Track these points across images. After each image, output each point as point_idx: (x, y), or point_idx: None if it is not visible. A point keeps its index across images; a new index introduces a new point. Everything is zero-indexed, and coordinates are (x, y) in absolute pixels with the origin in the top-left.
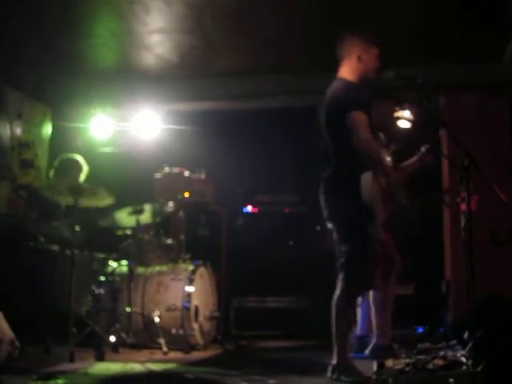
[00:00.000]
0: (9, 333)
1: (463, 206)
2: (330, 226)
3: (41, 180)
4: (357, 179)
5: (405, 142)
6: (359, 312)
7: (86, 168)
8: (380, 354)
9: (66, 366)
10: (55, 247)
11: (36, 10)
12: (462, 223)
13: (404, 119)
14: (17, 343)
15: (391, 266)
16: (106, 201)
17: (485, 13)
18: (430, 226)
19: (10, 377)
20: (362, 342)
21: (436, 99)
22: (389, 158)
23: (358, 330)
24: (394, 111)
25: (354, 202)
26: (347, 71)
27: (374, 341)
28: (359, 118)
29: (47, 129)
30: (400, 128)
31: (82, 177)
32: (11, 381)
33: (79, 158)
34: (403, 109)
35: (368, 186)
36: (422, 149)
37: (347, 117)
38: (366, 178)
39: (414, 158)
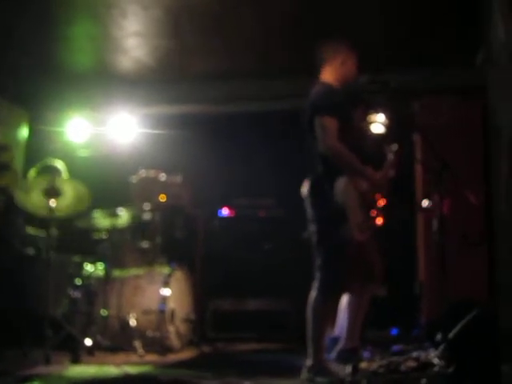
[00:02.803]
0: None
1: (436, 210)
2: (311, 227)
3: (16, 182)
4: (334, 182)
5: (377, 147)
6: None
7: (65, 174)
8: (345, 356)
9: (42, 369)
10: (30, 250)
11: (12, 13)
12: (435, 226)
13: (377, 123)
14: None
15: (369, 269)
16: (82, 203)
17: (457, 19)
18: (403, 228)
19: None
20: (336, 343)
21: (410, 104)
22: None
23: (336, 331)
24: (367, 115)
25: (329, 204)
26: (329, 74)
27: (340, 344)
28: (327, 123)
29: (24, 132)
30: (373, 132)
31: (61, 183)
32: None
33: (59, 164)
34: (377, 113)
35: (341, 190)
36: (389, 154)
37: (316, 121)
38: (340, 182)
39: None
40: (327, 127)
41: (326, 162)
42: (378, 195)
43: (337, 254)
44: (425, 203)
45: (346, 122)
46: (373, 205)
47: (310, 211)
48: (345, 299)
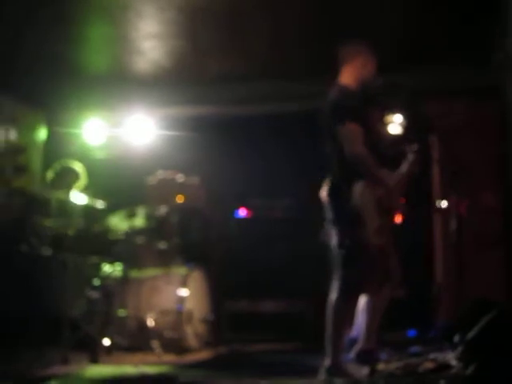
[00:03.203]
0: None
1: (453, 211)
2: (331, 229)
3: (34, 184)
4: (353, 185)
5: (394, 148)
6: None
7: (83, 177)
8: (364, 358)
9: (60, 369)
10: (48, 251)
11: (29, 14)
12: (452, 227)
13: (394, 124)
14: None
15: (386, 271)
16: (97, 204)
17: (474, 19)
18: (420, 229)
19: (4, 381)
20: (353, 344)
21: (425, 105)
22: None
23: (354, 332)
24: (384, 116)
25: (348, 207)
26: (348, 76)
27: (360, 345)
28: (352, 130)
29: (41, 133)
30: (389, 133)
31: (79, 185)
32: None
33: (78, 167)
34: (393, 114)
35: (358, 194)
36: (409, 154)
37: (340, 128)
38: (358, 186)
39: (404, 165)
40: (353, 134)
41: (346, 166)
42: (396, 198)
43: (357, 255)
44: (442, 204)
45: (364, 125)
46: (390, 209)
47: (329, 213)
48: (362, 301)
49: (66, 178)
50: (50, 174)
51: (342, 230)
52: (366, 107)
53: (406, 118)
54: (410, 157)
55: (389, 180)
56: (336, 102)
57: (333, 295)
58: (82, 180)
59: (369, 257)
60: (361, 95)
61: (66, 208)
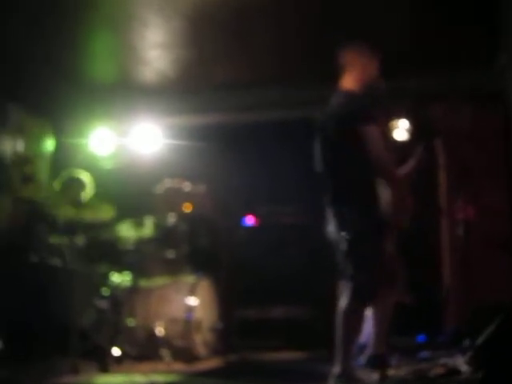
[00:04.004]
0: None
1: (460, 214)
2: (338, 236)
3: (41, 194)
4: (365, 191)
5: (400, 152)
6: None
7: (90, 186)
8: (375, 362)
9: (70, 379)
10: (57, 261)
11: (36, 26)
12: (460, 230)
13: (400, 129)
14: None
15: (392, 277)
16: (107, 214)
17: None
18: (428, 233)
19: None
20: (362, 350)
21: (430, 110)
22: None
23: (363, 338)
24: (389, 121)
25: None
26: (351, 80)
27: (370, 350)
28: (373, 133)
29: (48, 143)
30: (395, 138)
31: (86, 195)
32: None
33: (84, 176)
34: (399, 118)
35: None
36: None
37: (360, 130)
38: None
39: (412, 160)
40: (375, 137)
41: (359, 170)
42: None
43: (368, 262)
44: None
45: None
46: (397, 217)
47: (336, 219)
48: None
49: (73, 188)
50: (56, 184)
51: (353, 238)
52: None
53: (411, 122)
54: (418, 153)
55: (401, 185)
56: (350, 107)
57: (343, 302)
58: (89, 190)
59: (378, 264)
60: (366, 99)
61: (72, 222)
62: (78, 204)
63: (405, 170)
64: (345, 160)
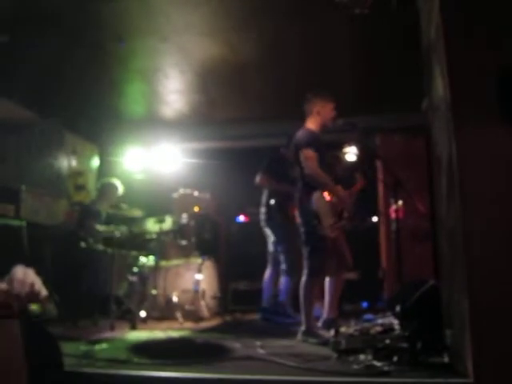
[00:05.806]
0: (40, 288)
1: (393, 215)
2: (300, 229)
3: (90, 198)
4: (311, 195)
5: (350, 171)
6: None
7: (121, 189)
8: (330, 324)
9: (108, 334)
10: (100, 247)
11: (88, 76)
12: (393, 227)
13: (351, 153)
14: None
15: (342, 259)
16: (137, 212)
17: (407, 76)
18: (370, 229)
19: (66, 342)
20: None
21: (373, 139)
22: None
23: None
24: (339, 150)
25: (309, 212)
26: (310, 123)
27: (324, 315)
28: (308, 154)
29: (95, 161)
30: (347, 160)
31: (119, 195)
32: (67, 345)
33: (116, 182)
34: (350, 146)
35: (315, 200)
36: (357, 176)
37: (300, 153)
38: (315, 195)
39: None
40: (309, 157)
41: (306, 181)
42: (344, 207)
43: (318, 247)
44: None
45: (322, 155)
46: (340, 212)
47: (298, 215)
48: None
49: (109, 190)
50: (97, 187)
51: (306, 229)
52: (324, 144)
53: (359, 148)
54: (356, 182)
55: (337, 189)
56: (300, 138)
57: (303, 279)
58: (121, 191)
59: (326, 247)
60: (319, 135)
61: (112, 216)
62: (114, 203)
63: (344, 193)
64: (299, 173)
